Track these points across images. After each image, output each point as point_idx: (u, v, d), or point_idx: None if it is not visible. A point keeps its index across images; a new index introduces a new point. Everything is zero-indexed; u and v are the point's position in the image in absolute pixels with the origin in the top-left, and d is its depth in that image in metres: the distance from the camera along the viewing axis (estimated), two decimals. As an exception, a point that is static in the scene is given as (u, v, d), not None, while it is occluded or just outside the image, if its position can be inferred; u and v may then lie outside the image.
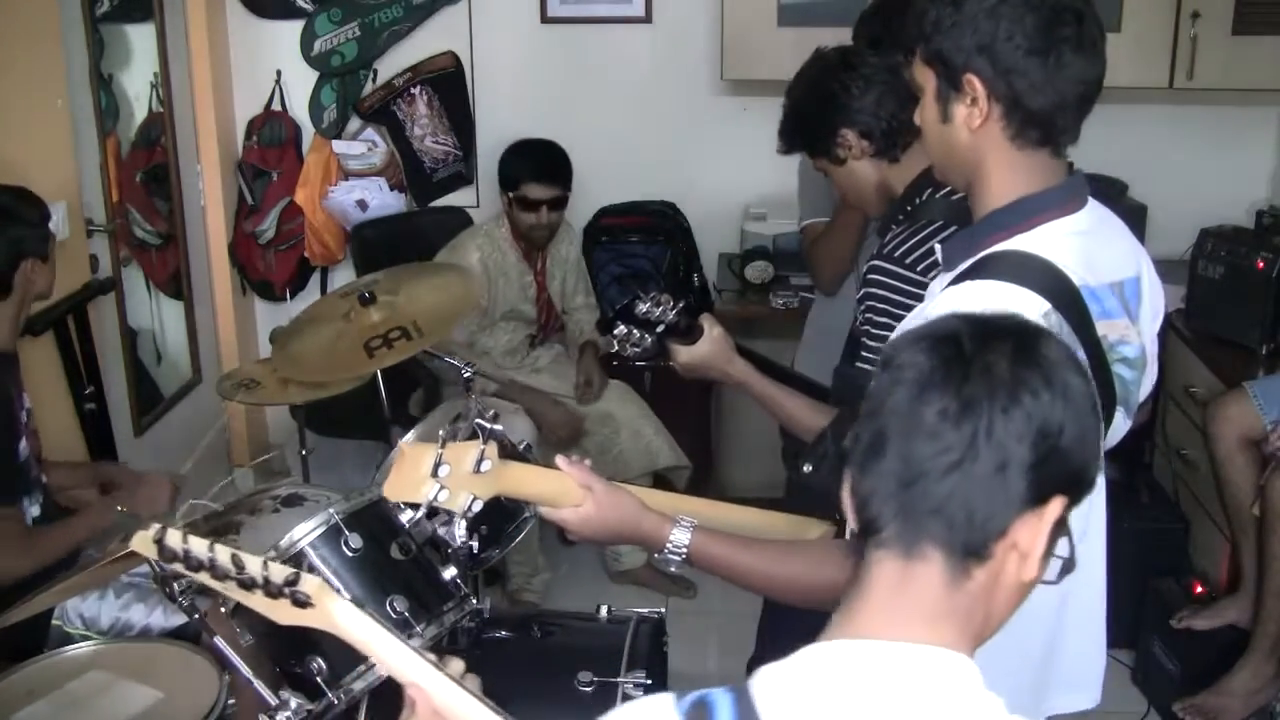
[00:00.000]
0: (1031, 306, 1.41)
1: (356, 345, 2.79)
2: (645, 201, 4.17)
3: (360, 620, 1.21)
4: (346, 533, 2.01)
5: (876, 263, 2.02)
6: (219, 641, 2.00)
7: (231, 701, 2.01)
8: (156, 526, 1.22)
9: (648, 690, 2.11)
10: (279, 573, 1.17)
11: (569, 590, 3.76)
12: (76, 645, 2.22)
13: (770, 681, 0.96)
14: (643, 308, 1.95)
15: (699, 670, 3.48)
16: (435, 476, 1.45)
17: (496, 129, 4.22)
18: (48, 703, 2.03)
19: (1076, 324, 1.45)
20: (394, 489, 1.48)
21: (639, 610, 2.30)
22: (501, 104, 4.22)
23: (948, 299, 1.46)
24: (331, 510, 2.02)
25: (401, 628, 1.99)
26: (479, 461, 1.48)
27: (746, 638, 3.32)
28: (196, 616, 2.02)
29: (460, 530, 2.26)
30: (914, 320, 1.49)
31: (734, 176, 4.13)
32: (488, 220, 3.75)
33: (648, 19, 4.11)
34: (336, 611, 1.20)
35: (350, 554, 2.01)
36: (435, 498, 1.45)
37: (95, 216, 3.37)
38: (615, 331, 2.01)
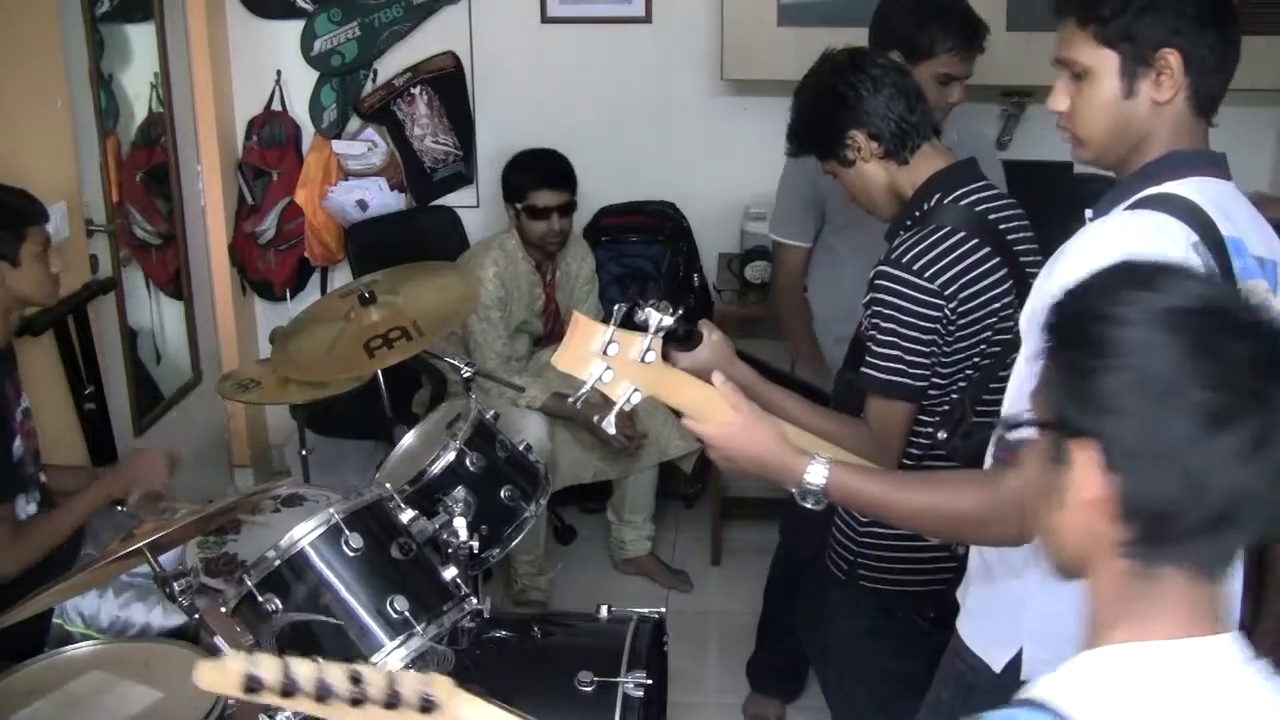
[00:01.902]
0: (1179, 235, 1.49)
1: (356, 345, 2.79)
2: (645, 201, 4.16)
3: (494, 714, 1.15)
4: (347, 532, 2.01)
5: (884, 269, 2.02)
6: (219, 641, 2.00)
7: (232, 701, 2.01)
8: (246, 657, 1.03)
9: (648, 690, 2.12)
10: (410, 682, 1.05)
11: (569, 589, 3.76)
12: (76, 645, 2.22)
13: (1084, 696, 0.97)
14: (641, 314, 1.95)
15: (699, 670, 3.48)
16: (604, 355, 1.45)
17: (496, 129, 4.22)
18: (48, 702, 2.03)
19: (1220, 266, 1.51)
20: (564, 359, 1.48)
21: (639, 610, 2.31)
22: (501, 104, 4.22)
23: (1095, 231, 1.52)
24: (332, 510, 2.03)
25: (402, 628, 2.00)
26: (645, 351, 1.48)
27: (747, 638, 3.33)
28: (196, 616, 2.02)
29: (461, 530, 2.28)
30: (1061, 260, 1.52)
31: (734, 176, 4.13)
32: (498, 232, 3.72)
33: (648, 19, 4.11)
34: (465, 712, 1.11)
35: (350, 554, 2.01)
36: (600, 377, 1.46)
37: (95, 216, 3.37)
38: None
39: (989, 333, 2.05)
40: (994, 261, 2.03)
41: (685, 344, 2.04)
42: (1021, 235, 2.12)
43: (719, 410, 1.58)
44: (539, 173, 3.59)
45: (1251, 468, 0.94)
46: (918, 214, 2.08)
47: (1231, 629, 1.01)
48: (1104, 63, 1.60)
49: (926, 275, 1.98)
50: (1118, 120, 1.61)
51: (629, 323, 1.99)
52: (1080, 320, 1.01)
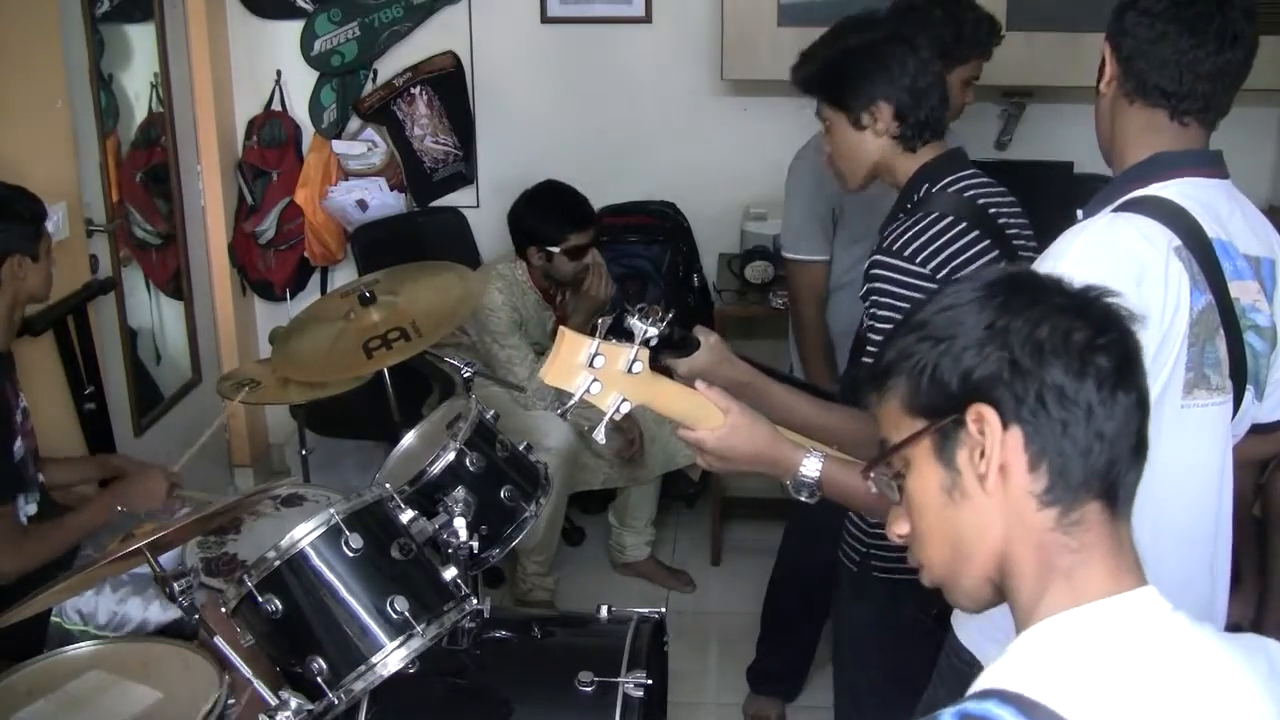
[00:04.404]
0: (1159, 239, 1.49)
1: (355, 346, 2.79)
2: (645, 201, 4.17)
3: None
4: (347, 533, 2.01)
5: (878, 258, 2.02)
6: (219, 641, 2.00)
7: (231, 701, 2.01)
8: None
9: (648, 690, 2.12)
10: None
11: (570, 589, 3.76)
12: (76, 645, 2.22)
13: (1034, 674, 0.98)
14: (632, 320, 1.94)
15: (699, 670, 3.48)
16: (591, 367, 1.46)
17: (496, 129, 4.22)
18: (48, 703, 2.03)
19: (1206, 268, 1.52)
20: (551, 373, 1.49)
21: (639, 610, 2.31)
22: (501, 104, 4.22)
23: (1078, 234, 1.52)
24: (332, 510, 2.02)
25: (402, 628, 2.00)
26: (631, 362, 1.49)
27: (747, 638, 3.33)
28: (196, 616, 2.02)
29: (461, 530, 2.28)
30: (1045, 263, 1.53)
31: (734, 176, 4.13)
32: (500, 261, 3.66)
33: (648, 19, 4.11)
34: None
35: (351, 554, 2.01)
36: (588, 389, 1.47)
37: (95, 216, 3.37)
38: (609, 341, 2.00)
39: None
40: (985, 244, 2.03)
41: (683, 351, 2.03)
42: (1014, 220, 2.12)
43: (711, 415, 1.58)
44: (568, 216, 3.51)
45: (1116, 388, 1.01)
46: (909, 206, 2.09)
47: (1142, 570, 1.05)
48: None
49: (918, 260, 1.98)
50: (1099, 115, 1.66)
51: (618, 327, 1.98)
52: (916, 333, 1.07)
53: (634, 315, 1.91)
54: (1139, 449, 1.04)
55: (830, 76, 2.11)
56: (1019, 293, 1.04)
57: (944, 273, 1.99)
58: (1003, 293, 1.04)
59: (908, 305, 1.98)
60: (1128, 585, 1.02)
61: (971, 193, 2.07)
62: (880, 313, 2.00)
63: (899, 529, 1.12)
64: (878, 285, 2.00)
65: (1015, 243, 2.08)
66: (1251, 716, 0.99)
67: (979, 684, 0.99)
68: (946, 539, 1.08)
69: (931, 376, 1.05)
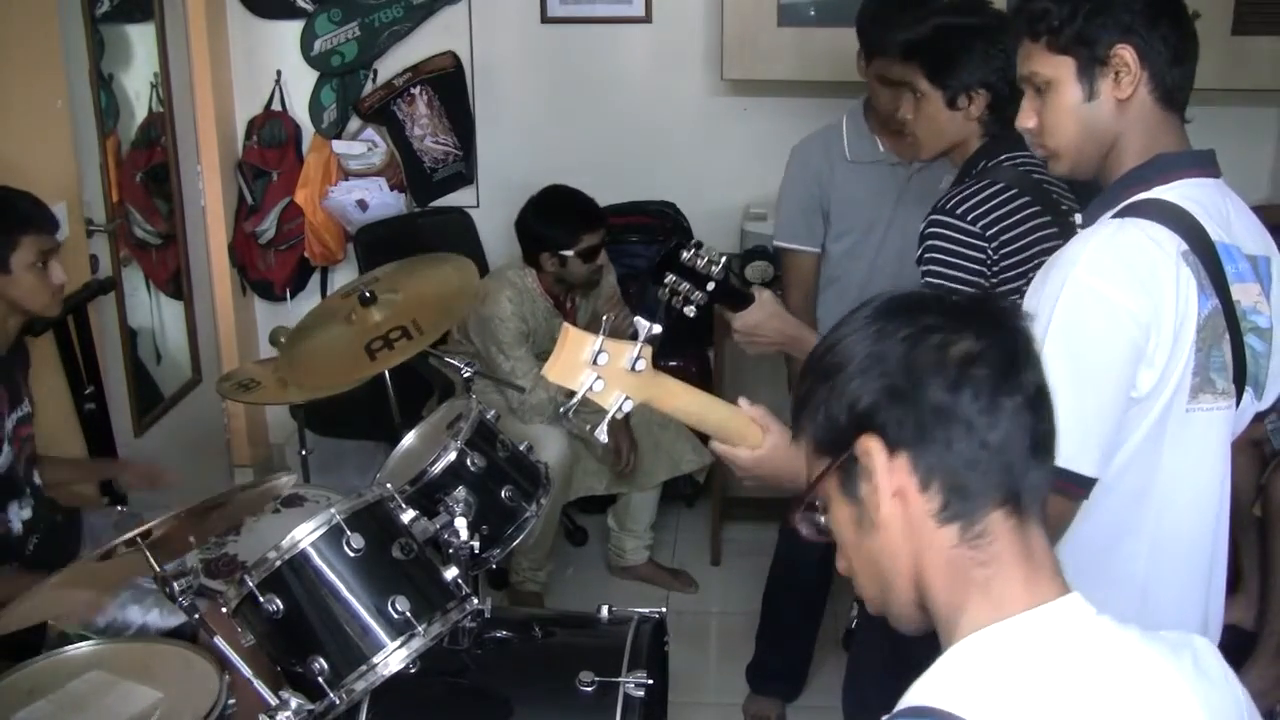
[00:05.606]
0: (1169, 245, 1.51)
1: (359, 348, 2.78)
2: (645, 201, 4.17)
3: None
4: (348, 533, 2.01)
5: (934, 217, 2.10)
6: (219, 641, 2.00)
7: (231, 701, 2.00)
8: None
9: (649, 690, 2.11)
10: None
11: (573, 590, 3.76)
12: (76, 645, 2.22)
13: (964, 691, 0.98)
14: (686, 254, 1.95)
15: (699, 670, 3.48)
16: (594, 365, 1.47)
17: (496, 129, 4.22)
18: (48, 702, 2.02)
19: (1211, 272, 1.53)
20: (555, 371, 1.50)
21: (640, 610, 2.30)
22: (501, 104, 4.22)
23: (1085, 242, 1.53)
24: (333, 510, 2.02)
25: (403, 627, 1.99)
26: (635, 360, 1.49)
27: (747, 638, 3.33)
28: (196, 617, 2.02)
29: (462, 530, 2.28)
30: (1055, 270, 1.54)
31: (734, 176, 4.13)
32: (509, 268, 3.64)
33: (648, 19, 4.11)
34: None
35: (352, 554, 2.01)
36: (591, 387, 1.48)
37: (95, 216, 3.37)
38: (665, 280, 1.99)
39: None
40: (1035, 209, 2.09)
41: (739, 304, 2.05)
42: (1066, 195, 2.18)
43: (749, 434, 1.58)
44: (578, 218, 3.50)
45: (996, 394, 1.01)
46: (967, 180, 2.16)
47: (1062, 575, 1.05)
48: (1062, 70, 1.62)
49: (968, 219, 2.06)
50: (1084, 124, 1.63)
51: (675, 265, 1.98)
52: (813, 372, 1.09)
53: (689, 250, 1.92)
54: (1038, 447, 1.03)
55: (938, 50, 2.15)
56: (894, 316, 1.05)
57: (992, 230, 2.06)
58: (880, 319, 1.05)
59: (955, 259, 2.06)
60: (1047, 593, 1.02)
61: (1026, 167, 2.12)
62: (934, 268, 2.08)
63: (841, 566, 1.13)
64: (931, 242, 2.08)
65: (1071, 219, 2.12)
66: (1179, 714, 1.00)
67: (907, 699, 1.00)
68: (869, 571, 1.09)
69: (826, 414, 1.06)
